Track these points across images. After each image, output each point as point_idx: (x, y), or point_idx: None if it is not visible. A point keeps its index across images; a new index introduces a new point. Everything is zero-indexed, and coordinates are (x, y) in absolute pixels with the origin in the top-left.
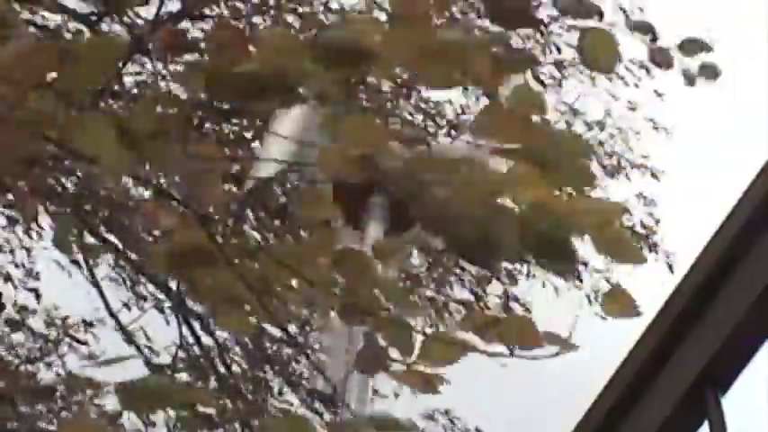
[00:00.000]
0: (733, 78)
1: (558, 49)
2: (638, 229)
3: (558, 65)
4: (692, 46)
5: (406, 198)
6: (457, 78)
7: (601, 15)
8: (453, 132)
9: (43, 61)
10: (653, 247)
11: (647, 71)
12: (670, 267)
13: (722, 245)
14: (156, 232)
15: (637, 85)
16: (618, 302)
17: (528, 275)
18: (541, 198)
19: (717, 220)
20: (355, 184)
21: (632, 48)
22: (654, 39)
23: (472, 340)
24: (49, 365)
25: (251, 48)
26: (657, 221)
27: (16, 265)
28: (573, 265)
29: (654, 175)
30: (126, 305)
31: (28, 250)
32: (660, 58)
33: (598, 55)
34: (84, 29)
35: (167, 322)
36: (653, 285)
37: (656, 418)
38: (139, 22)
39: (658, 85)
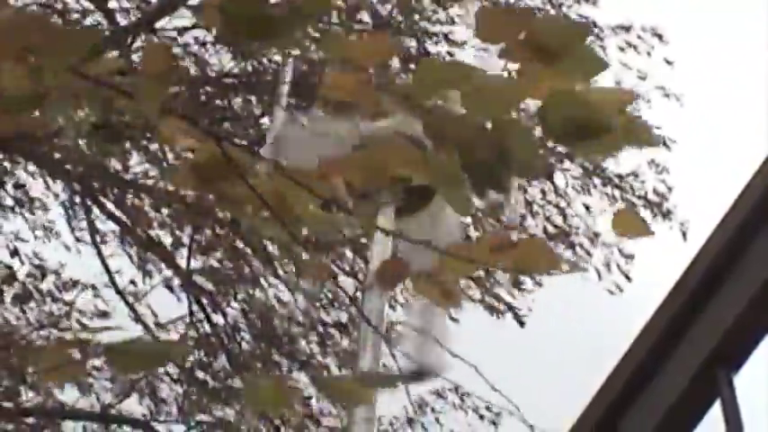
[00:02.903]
0: (740, 46)
1: None
2: (651, 196)
3: None
4: None
5: (418, 116)
6: None
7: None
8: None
9: (24, 31)
10: (666, 215)
11: (660, 38)
12: (684, 235)
13: (731, 226)
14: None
15: (649, 54)
16: (628, 223)
17: None
18: (556, 89)
19: (730, 189)
20: None
21: (644, 14)
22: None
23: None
24: (62, 330)
25: None
26: (670, 189)
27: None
28: (610, 141)
29: (665, 145)
30: (133, 282)
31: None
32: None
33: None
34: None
35: (178, 299)
36: (668, 255)
37: (668, 398)
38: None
39: (668, 53)
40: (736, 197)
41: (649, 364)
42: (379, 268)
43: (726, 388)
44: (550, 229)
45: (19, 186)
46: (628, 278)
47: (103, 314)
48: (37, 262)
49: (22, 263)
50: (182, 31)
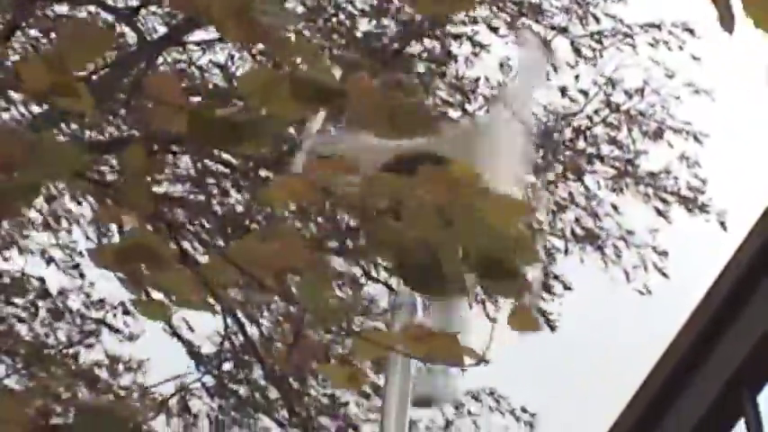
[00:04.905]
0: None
1: (597, 20)
2: (685, 191)
3: (597, 35)
4: None
5: (361, 223)
6: None
7: None
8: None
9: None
10: (702, 208)
11: (692, 33)
12: (722, 225)
13: (751, 251)
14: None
15: (681, 48)
16: (520, 320)
17: (566, 253)
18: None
19: (763, 183)
20: None
21: (673, 9)
22: None
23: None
24: (89, 347)
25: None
26: (704, 181)
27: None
28: (517, 285)
29: (696, 139)
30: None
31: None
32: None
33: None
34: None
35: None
36: (707, 251)
37: (693, 417)
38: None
39: (694, 49)
40: (757, 219)
41: (673, 386)
42: (291, 346)
43: (749, 407)
44: (579, 231)
45: (50, 199)
46: (664, 275)
47: (130, 338)
48: (71, 268)
49: (59, 268)
50: (208, 43)
